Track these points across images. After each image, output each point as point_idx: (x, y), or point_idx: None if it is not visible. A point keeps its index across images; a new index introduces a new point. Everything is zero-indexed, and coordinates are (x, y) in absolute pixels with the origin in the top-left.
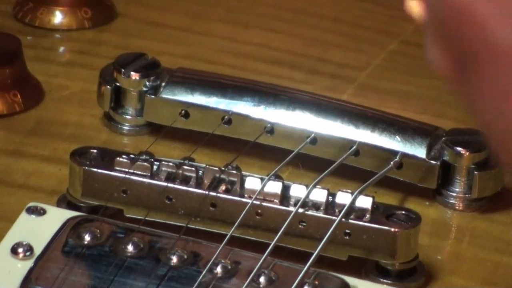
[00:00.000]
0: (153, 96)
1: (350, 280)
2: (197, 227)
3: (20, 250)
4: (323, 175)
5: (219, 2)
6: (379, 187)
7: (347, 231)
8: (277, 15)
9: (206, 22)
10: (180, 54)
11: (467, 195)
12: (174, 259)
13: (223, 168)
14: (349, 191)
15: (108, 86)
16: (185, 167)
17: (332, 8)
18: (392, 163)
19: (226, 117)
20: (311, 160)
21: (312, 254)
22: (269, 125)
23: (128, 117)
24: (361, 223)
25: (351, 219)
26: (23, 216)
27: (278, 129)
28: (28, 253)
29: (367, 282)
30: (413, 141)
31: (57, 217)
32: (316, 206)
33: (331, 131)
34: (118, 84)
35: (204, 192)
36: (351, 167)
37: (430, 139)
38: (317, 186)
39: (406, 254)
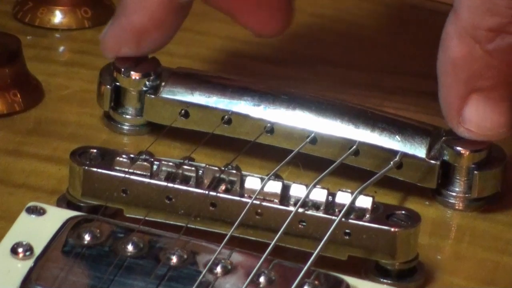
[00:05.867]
0: (153, 96)
1: (350, 280)
2: (197, 227)
3: (20, 250)
4: (323, 175)
5: None
6: (379, 187)
7: (347, 231)
8: None
9: (206, 22)
10: (180, 54)
11: (467, 195)
12: (174, 259)
13: (223, 168)
14: (349, 191)
15: (108, 86)
16: (185, 167)
17: (332, 8)
18: (392, 163)
19: (226, 116)
20: (311, 160)
21: (312, 254)
22: (269, 125)
23: (128, 116)
24: (361, 223)
25: (351, 219)
26: (23, 216)
27: (278, 128)
28: (28, 253)
29: (367, 282)
30: (413, 140)
31: (57, 217)
32: (316, 206)
33: (331, 130)
34: (118, 83)
35: (204, 192)
36: (351, 167)
37: (430, 139)
38: (317, 186)
39: (406, 254)
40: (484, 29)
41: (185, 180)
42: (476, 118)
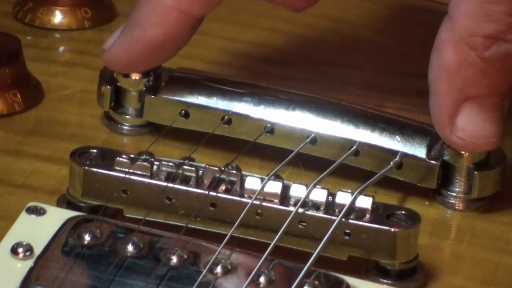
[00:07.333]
0: (153, 96)
1: (350, 280)
2: (197, 227)
3: (20, 250)
4: (323, 175)
5: None
6: (379, 187)
7: (347, 231)
8: (277, 14)
9: (206, 22)
10: (180, 54)
11: (467, 195)
12: (174, 259)
13: (223, 168)
14: (349, 191)
15: (108, 86)
16: (185, 167)
17: (332, 8)
18: (392, 163)
19: (226, 117)
20: (311, 160)
21: (312, 254)
22: (269, 125)
23: (128, 117)
24: (361, 223)
25: (351, 219)
26: (23, 216)
27: (278, 129)
28: (28, 253)
29: (367, 282)
30: (413, 141)
31: (57, 217)
32: (316, 206)
33: (331, 131)
34: (118, 84)
35: (204, 192)
36: (351, 167)
37: (430, 139)
38: (317, 186)
39: (406, 254)
40: (480, 36)
41: (185, 180)
42: (469, 127)
